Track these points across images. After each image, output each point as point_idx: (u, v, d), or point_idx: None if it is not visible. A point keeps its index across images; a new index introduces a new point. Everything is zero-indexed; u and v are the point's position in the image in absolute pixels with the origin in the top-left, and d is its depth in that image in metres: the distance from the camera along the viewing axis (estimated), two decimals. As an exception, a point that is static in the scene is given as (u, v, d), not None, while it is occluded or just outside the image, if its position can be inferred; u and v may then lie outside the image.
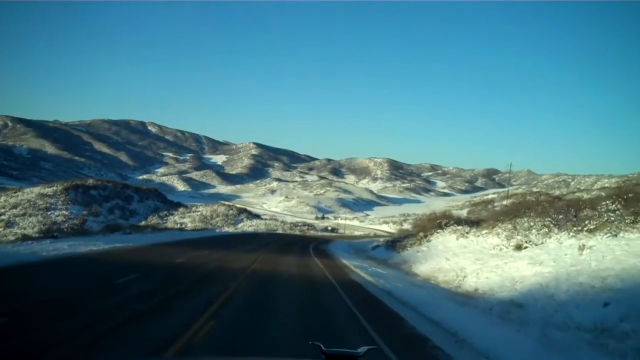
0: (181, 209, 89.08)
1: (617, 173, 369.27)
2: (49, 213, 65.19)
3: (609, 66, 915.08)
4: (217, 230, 74.82)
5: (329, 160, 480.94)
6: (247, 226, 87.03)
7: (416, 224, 44.09)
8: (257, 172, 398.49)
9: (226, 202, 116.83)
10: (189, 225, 77.99)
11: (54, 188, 71.55)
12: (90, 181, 79.18)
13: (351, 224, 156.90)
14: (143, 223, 73.74)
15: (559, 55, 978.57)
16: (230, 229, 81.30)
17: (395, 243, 43.05)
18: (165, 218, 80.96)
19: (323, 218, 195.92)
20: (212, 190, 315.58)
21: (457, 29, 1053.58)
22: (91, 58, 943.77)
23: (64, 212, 66.84)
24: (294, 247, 45.63)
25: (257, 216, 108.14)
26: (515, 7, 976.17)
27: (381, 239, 62.69)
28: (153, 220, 77.21)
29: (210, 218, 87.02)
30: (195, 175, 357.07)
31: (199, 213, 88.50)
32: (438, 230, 36.11)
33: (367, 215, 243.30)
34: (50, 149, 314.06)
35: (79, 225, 64.58)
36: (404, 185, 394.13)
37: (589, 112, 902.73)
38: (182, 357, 8.41)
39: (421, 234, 37.94)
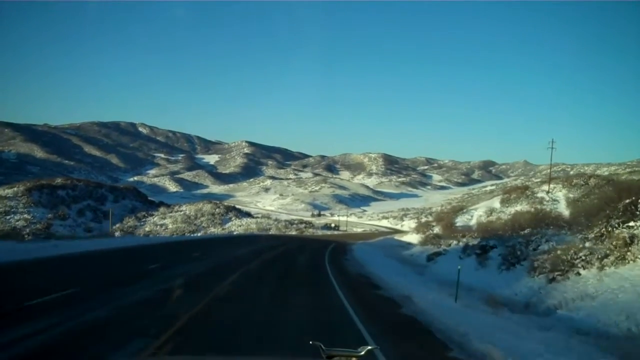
0: (162, 209, 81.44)
1: (614, 161, 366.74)
2: (7, 217, 57.69)
3: (604, 54, 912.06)
4: (188, 235, 65.70)
5: (323, 157, 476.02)
6: (235, 226, 79.19)
7: (439, 217, 36.09)
8: (250, 170, 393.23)
9: (213, 201, 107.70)
10: (170, 226, 70.49)
11: (15, 189, 63.96)
12: (58, 180, 71.72)
13: (349, 220, 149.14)
14: (117, 226, 66.37)
15: (551, 46, 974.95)
16: (216, 230, 73.80)
17: (501, 250, 23.71)
18: (144, 220, 73.52)
19: (319, 215, 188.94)
20: (204, 191, 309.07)
21: (449, 23, 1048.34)
22: (80, 60, 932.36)
23: (26, 215, 59.35)
24: (290, 280, 20.14)
25: (248, 214, 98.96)
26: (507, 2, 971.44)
27: (412, 237, 47.92)
28: (129, 222, 69.70)
29: (195, 218, 79.11)
30: (187, 175, 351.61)
31: (182, 213, 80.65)
32: (630, 224, 17.82)
33: (365, 211, 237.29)
34: (39, 153, 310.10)
35: (43, 230, 57.21)
36: (399, 179, 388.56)
37: (583, 101, 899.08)
38: (181, 357, 7.61)
39: (621, 233, 17.55)
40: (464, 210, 40.07)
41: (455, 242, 31.32)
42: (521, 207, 28.50)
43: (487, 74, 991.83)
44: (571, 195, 28.77)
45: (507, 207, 30.78)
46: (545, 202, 28.17)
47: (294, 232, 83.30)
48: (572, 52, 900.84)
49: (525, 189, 39.28)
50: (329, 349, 3.17)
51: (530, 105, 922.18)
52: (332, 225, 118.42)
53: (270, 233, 75.77)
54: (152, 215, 76.01)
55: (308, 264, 27.86)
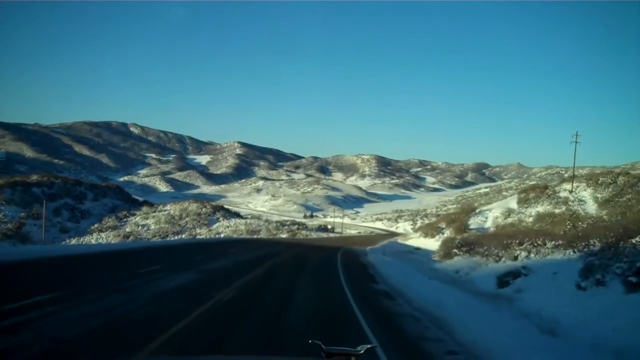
0: (145, 208, 77.25)
1: (608, 164, 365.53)
2: (-25, 217, 53.66)
3: (600, 56, 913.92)
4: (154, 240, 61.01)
5: (316, 158, 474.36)
6: (223, 227, 74.93)
7: (450, 218, 31.62)
8: (242, 171, 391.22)
9: (199, 200, 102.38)
10: (152, 227, 66.48)
11: (-16, 186, 59.87)
12: (34, 177, 67.51)
13: (343, 222, 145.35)
14: (96, 226, 62.38)
15: (546, 49, 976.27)
16: (202, 232, 69.66)
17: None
18: (125, 219, 69.35)
19: (312, 216, 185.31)
20: (195, 191, 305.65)
21: (443, 26, 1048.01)
22: (72, 60, 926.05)
23: (-4, 214, 55.29)
24: None
25: (237, 215, 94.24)
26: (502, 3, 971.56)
27: (422, 242, 39.06)
28: (109, 222, 65.60)
29: (179, 218, 74.80)
30: (179, 175, 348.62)
31: (166, 212, 76.39)
32: None
33: (358, 212, 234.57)
34: (28, 152, 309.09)
35: (14, 231, 53.16)
36: (393, 181, 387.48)
37: (576, 103, 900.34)
38: (181, 357, 7.24)
39: None
40: (477, 211, 36.12)
41: (522, 253, 21.20)
42: (543, 207, 24.94)
43: (480, 77, 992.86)
44: (599, 195, 25.27)
45: (527, 207, 27.27)
46: (570, 202, 24.58)
47: (285, 235, 77.92)
48: (566, 55, 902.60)
49: (544, 188, 35.53)
50: (329, 347, 3.01)
51: (523, 107, 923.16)
52: (328, 227, 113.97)
53: (258, 237, 70.69)
54: (133, 214, 71.99)
55: (321, 326, 11.42)
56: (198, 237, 62.32)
